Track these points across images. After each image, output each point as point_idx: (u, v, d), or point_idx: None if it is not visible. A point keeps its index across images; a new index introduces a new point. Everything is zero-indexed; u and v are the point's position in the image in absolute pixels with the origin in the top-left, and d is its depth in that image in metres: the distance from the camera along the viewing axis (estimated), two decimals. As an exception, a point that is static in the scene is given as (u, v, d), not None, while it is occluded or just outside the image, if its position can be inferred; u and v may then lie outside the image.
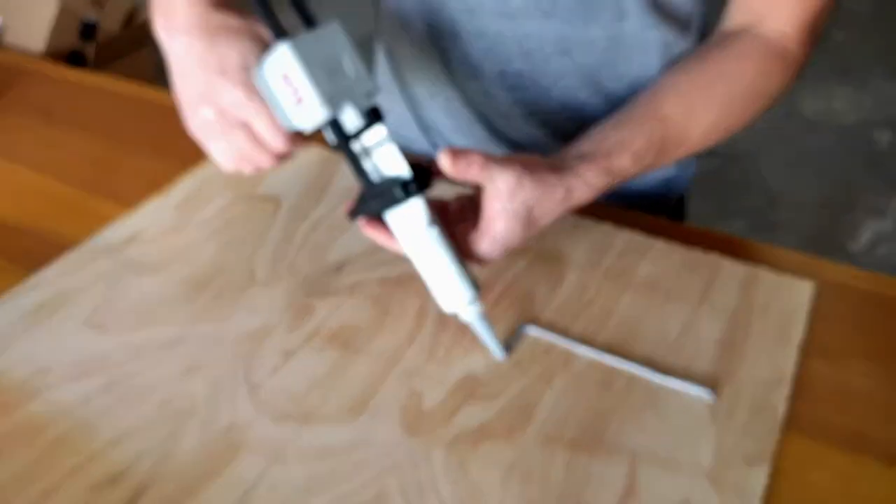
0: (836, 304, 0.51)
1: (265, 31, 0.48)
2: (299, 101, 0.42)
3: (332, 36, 0.44)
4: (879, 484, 0.41)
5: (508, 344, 0.49)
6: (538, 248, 0.57)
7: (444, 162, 0.44)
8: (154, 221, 0.62)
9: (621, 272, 0.54)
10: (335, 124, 0.44)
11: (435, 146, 0.75)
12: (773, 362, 0.47)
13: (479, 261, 0.48)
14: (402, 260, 0.57)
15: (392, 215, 0.46)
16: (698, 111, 0.53)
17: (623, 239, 0.57)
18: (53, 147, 0.75)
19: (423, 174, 0.45)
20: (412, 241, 0.46)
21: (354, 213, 0.48)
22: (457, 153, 0.44)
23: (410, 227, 0.45)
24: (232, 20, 0.48)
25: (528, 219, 0.46)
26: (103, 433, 0.45)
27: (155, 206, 0.64)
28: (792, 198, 2.03)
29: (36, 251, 0.60)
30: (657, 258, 0.55)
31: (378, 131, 0.45)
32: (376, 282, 0.55)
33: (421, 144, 0.76)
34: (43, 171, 0.71)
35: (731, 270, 0.53)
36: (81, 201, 0.67)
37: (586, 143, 0.50)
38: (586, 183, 0.47)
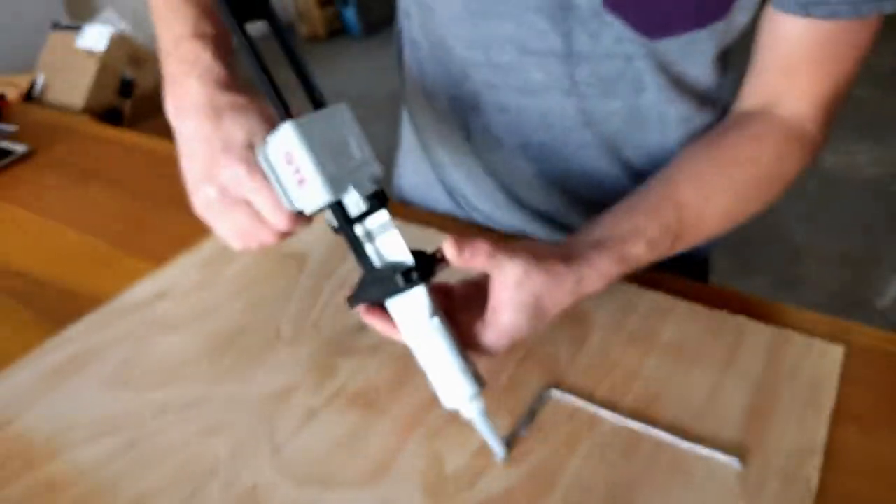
0: (867, 368, 0.50)
1: (273, 111, 0.47)
2: (301, 181, 0.42)
3: (339, 116, 0.44)
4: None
5: (533, 409, 0.48)
6: (561, 308, 0.57)
7: (449, 251, 0.43)
8: (181, 279, 0.63)
9: (646, 335, 0.53)
10: (338, 207, 0.43)
11: (459, 207, 0.76)
12: (803, 430, 0.45)
13: (485, 352, 0.46)
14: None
15: (393, 304, 0.44)
16: (715, 197, 0.52)
17: (647, 300, 0.56)
18: (87, 203, 0.78)
19: (427, 262, 0.44)
20: (413, 331, 0.44)
21: (355, 300, 0.46)
22: (462, 243, 0.43)
23: (411, 316, 0.43)
24: (240, 99, 0.48)
25: (537, 309, 0.44)
26: (124, 493, 0.45)
27: (182, 264, 0.65)
28: (815, 253, 2.00)
29: (65, 306, 0.61)
30: (681, 320, 0.54)
31: (381, 216, 0.44)
32: (399, 342, 0.55)
33: (445, 205, 0.76)
34: (75, 227, 0.73)
35: (756, 333, 0.53)
36: (112, 257, 0.68)
37: (598, 229, 0.49)
38: (598, 272, 0.46)
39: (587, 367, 0.51)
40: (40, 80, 2.14)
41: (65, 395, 0.52)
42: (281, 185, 0.43)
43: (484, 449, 0.46)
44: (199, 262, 0.65)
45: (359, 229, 0.44)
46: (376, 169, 0.44)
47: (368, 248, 0.44)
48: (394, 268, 0.43)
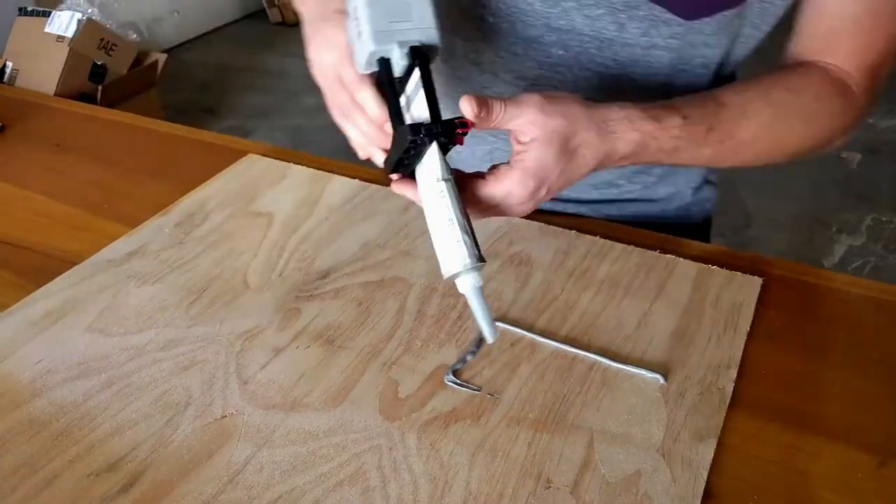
0: (782, 295, 0.55)
1: None
2: (359, 34, 0.46)
3: None
4: (818, 456, 0.44)
5: (479, 339, 0.53)
6: (508, 252, 0.61)
7: (467, 108, 0.43)
8: (154, 238, 0.67)
9: (584, 273, 0.58)
10: (383, 63, 0.45)
11: None
12: (722, 349, 0.50)
13: (510, 208, 0.46)
14: (384, 266, 0.61)
15: (418, 169, 0.46)
16: (754, 105, 0.50)
17: (587, 242, 0.61)
18: (63, 174, 0.80)
19: (448, 126, 0.44)
20: (424, 192, 0.45)
21: (385, 164, 0.49)
22: (480, 98, 0.43)
23: (425, 176, 0.45)
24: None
25: (561, 146, 0.44)
26: (103, 425, 0.48)
27: (155, 225, 0.69)
28: (767, 218, 2.08)
29: (44, 267, 0.64)
30: (617, 259, 0.59)
31: (415, 75, 0.44)
32: (359, 286, 0.59)
33: None
34: (53, 196, 0.76)
35: (685, 268, 0.58)
36: (87, 222, 0.71)
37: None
38: (627, 118, 0.45)
39: (529, 301, 0.56)
40: (9, 67, 2.14)
41: (45, 342, 0.55)
42: (350, 40, 0.48)
43: (435, 374, 0.50)
44: (170, 223, 0.69)
45: (403, 100, 0.46)
46: (432, 35, 0.45)
47: (406, 115, 0.46)
48: (410, 126, 0.44)
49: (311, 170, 0.75)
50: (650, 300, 0.55)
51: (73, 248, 0.67)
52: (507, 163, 0.47)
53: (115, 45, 2.24)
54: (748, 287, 0.55)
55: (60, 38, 2.13)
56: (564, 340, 0.52)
